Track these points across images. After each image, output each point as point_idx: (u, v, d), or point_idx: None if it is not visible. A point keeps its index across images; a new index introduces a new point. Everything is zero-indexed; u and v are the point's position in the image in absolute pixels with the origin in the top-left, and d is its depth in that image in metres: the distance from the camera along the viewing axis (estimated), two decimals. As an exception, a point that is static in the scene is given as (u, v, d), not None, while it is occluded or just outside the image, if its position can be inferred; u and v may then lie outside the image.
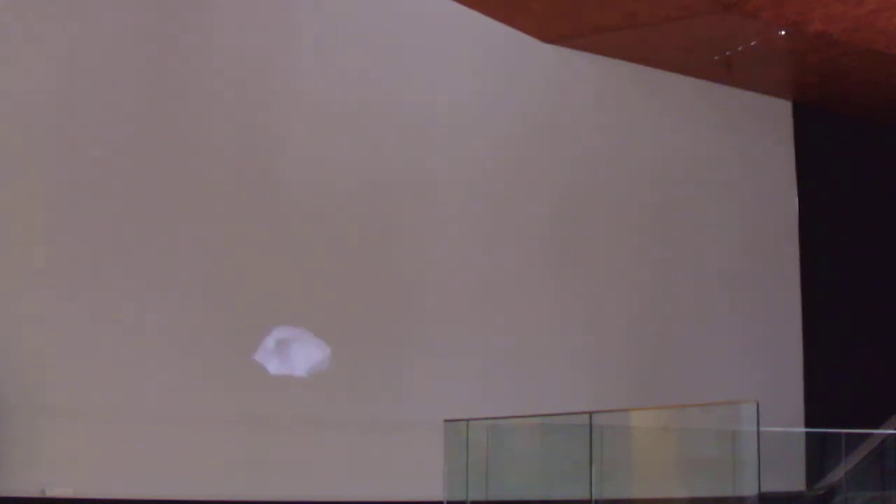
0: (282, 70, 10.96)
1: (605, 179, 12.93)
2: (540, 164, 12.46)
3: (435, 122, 11.76)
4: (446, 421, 9.67)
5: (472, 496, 9.51)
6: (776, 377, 13.65)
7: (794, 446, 13.20)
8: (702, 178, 13.66)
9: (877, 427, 13.25)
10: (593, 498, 8.66)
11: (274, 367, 10.40)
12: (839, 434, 12.62)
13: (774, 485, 9.50)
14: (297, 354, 10.52)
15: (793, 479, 12.96)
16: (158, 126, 10.19)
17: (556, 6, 11.84)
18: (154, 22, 10.27)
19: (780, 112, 14.36)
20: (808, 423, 13.68)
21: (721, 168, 13.85)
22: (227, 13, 10.70)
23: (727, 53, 12.72)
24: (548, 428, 10.15)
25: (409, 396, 11.11)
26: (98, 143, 9.88)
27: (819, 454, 13.18)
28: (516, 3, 11.80)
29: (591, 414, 8.84)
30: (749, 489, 7.93)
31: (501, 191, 12.16)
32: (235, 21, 10.73)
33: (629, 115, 13.18)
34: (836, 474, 12.81)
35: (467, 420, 9.67)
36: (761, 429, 7.69)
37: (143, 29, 10.20)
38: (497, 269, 12.02)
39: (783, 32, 12.02)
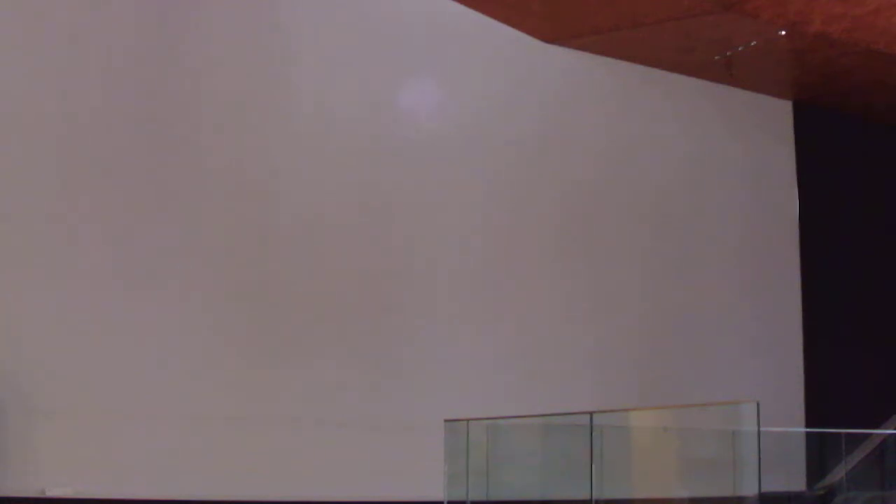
0: (280, 73, 10.96)
1: (605, 179, 12.93)
2: (540, 164, 12.47)
3: (436, 121, 11.76)
4: (446, 421, 9.67)
5: (473, 496, 9.51)
6: (776, 377, 13.65)
7: (794, 446, 13.20)
8: (702, 178, 13.67)
9: (877, 427, 13.25)
10: (593, 498, 8.66)
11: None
12: (839, 434, 12.62)
13: (774, 485, 9.51)
14: None
15: (793, 479, 12.95)
16: (157, 130, 10.18)
17: (557, 6, 11.84)
18: (153, 30, 10.26)
19: (780, 112, 14.36)
20: (808, 423, 13.68)
21: (721, 168, 13.85)
22: (224, 18, 10.69)
23: (727, 53, 12.73)
24: (548, 428, 10.15)
25: (409, 396, 11.11)
26: (98, 146, 9.88)
27: (819, 454, 13.18)
28: (516, 4, 11.80)
29: (591, 414, 8.84)
30: (749, 489, 7.93)
31: (503, 191, 12.16)
32: (232, 28, 10.72)
33: (629, 115, 13.18)
34: (837, 474, 12.81)
35: (467, 420, 9.67)
36: (761, 429, 7.69)
37: (142, 38, 10.20)
38: (497, 269, 12.02)
39: (783, 32, 12.02)
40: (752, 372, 13.31)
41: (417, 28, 11.71)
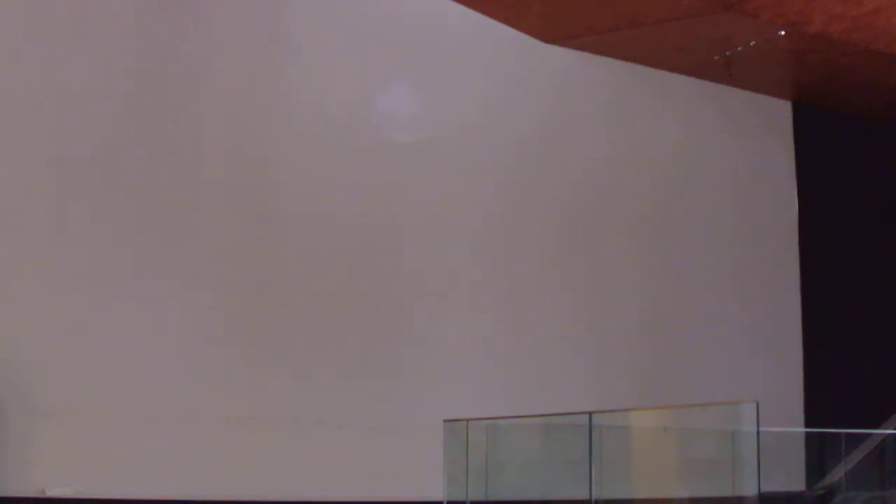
0: (280, 73, 10.96)
1: (606, 179, 12.93)
2: (539, 164, 12.46)
3: (436, 121, 11.76)
4: (446, 421, 9.67)
5: (472, 496, 9.51)
6: (776, 377, 13.64)
7: (794, 446, 13.20)
8: (702, 178, 13.67)
9: (877, 427, 13.25)
10: (593, 498, 8.66)
11: None
12: (839, 434, 12.62)
13: (774, 485, 9.51)
14: None
15: (793, 479, 12.96)
16: (156, 131, 10.18)
17: (557, 6, 11.84)
18: (153, 30, 10.26)
19: (780, 112, 14.36)
20: (808, 423, 13.68)
21: (721, 168, 13.85)
22: (224, 18, 10.69)
23: (727, 53, 12.73)
24: (548, 428, 10.15)
25: (409, 396, 11.11)
26: (98, 147, 9.88)
27: (819, 454, 13.18)
28: (516, 4, 11.80)
29: (590, 414, 8.84)
30: (749, 489, 7.93)
31: (502, 191, 12.16)
32: (232, 28, 10.72)
33: (629, 115, 13.18)
34: (836, 474, 12.81)
35: (467, 420, 9.67)
36: (761, 429, 7.69)
37: (142, 38, 10.20)
38: (497, 268, 12.02)
39: (783, 32, 12.02)
40: (752, 372, 13.31)
41: (417, 28, 11.70)
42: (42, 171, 9.64)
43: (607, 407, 10.07)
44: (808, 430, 13.50)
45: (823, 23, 11.72)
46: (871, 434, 13.03)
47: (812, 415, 13.78)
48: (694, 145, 13.65)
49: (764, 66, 13.17)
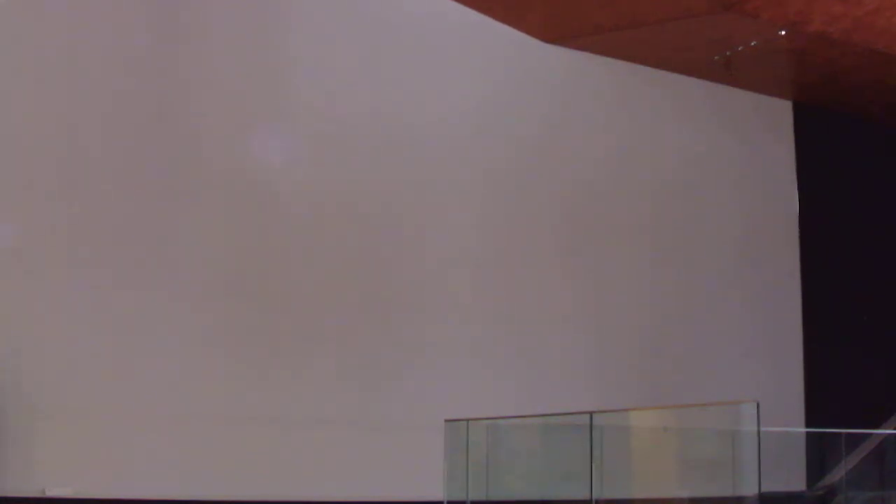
0: (280, 72, 10.96)
1: (606, 180, 12.93)
2: (540, 165, 12.47)
3: (436, 121, 11.76)
4: (446, 421, 9.68)
5: (472, 496, 9.51)
6: (776, 377, 13.65)
7: (794, 446, 13.20)
8: (702, 177, 13.67)
9: (877, 427, 13.25)
10: (593, 498, 8.66)
11: None
12: (839, 434, 12.62)
13: (774, 485, 9.51)
14: None
15: (793, 479, 12.96)
16: (155, 131, 10.19)
17: (557, 6, 11.84)
18: (153, 30, 10.26)
19: (780, 112, 14.36)
20: (808, 423, 13.68)
21: (721, 168, 13.85)
22: (224, 17, 10.69)
23: (727, 53, 12.73)
24: (548, 428, 10.16)
25: (409, 396, 11.11)
26: (97, 147, 9.88)
27: (819, 454, 13.18)
28: (517, 4, 11.80)
29: (591, 414, 8.84)
30: (749, 489, 7.94)
31: (503, 191, 12.17)
32: (232, 28, 10.72)
33: (629, 115, 13.18)
34: (836, 474, 12.81)
35: (467, 420, 9.67)
36: (761, 429, 7.69)
37: (142, 38, 10.20)
38: (498, 269, 12.02)
39: (783, 32, 12.02)
40: (752, 372, 13.31)
41: (417, 28, 11.71)
42: (42, 171, 9.64)
43: (608, 407, 10.07)
44: (808, 430, 13.50)
45: (823, 23, 11.72)
46: (871, 434, 13.03)
47: (812, 415, 13.79)
48: (694, 145, 13.65)
49: (764, 66, 13.18)
